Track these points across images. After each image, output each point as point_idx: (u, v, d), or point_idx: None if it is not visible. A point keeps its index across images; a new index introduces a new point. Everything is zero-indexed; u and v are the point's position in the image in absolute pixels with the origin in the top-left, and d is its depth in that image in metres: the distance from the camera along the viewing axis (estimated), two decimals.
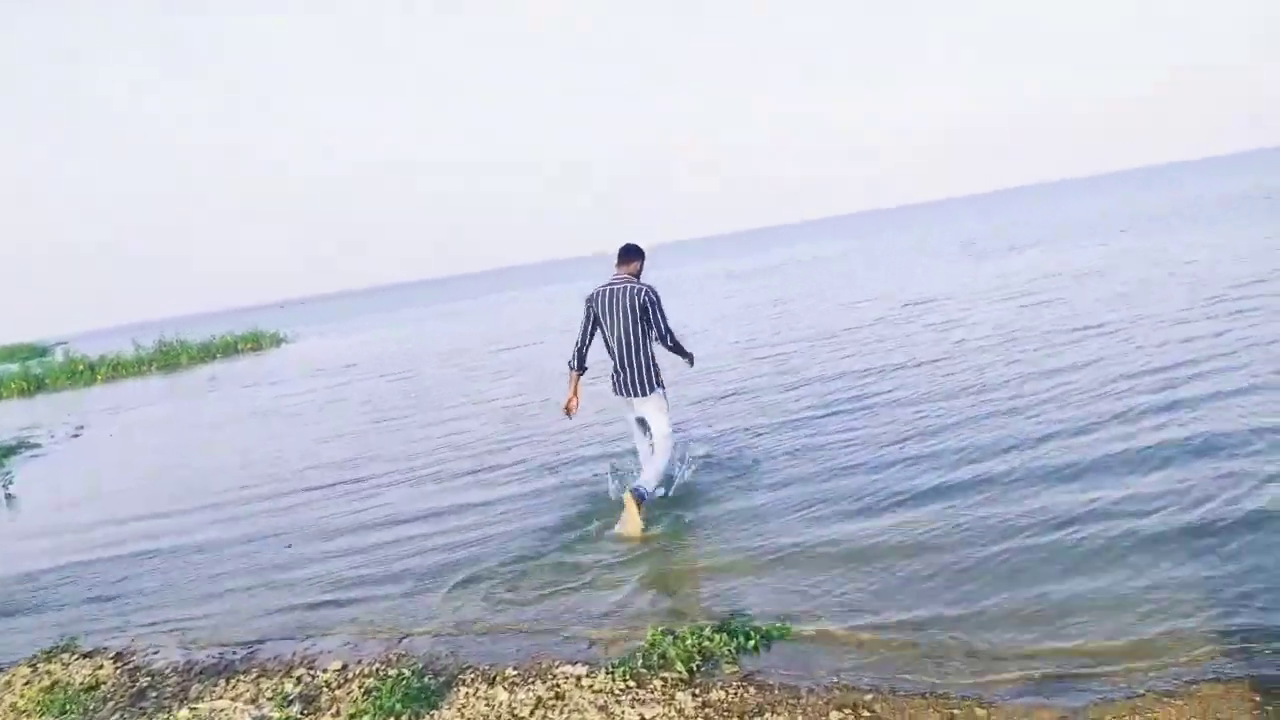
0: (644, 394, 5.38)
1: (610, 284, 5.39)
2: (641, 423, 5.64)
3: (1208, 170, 79.89)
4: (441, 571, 5.24)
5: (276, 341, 33.05)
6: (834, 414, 7.33)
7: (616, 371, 5.40)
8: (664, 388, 5.50)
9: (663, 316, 5.34)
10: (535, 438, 8.40)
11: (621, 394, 5.45)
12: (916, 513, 4.84)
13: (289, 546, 6.24)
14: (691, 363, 5.86)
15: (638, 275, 5.47)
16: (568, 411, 5.67)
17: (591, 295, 5.42)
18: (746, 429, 7.26)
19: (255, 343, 32.32)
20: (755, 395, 8.69)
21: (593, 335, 5.48)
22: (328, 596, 5.19)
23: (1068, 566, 3.94)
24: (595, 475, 6.63)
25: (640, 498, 5.22)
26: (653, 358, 5.40)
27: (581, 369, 5.55)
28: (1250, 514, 4.10)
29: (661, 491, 5.65)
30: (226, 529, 6.96)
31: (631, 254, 5.49)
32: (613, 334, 5.34)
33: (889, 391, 7.88)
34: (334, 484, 7.88)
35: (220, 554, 6.34)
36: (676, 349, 5.52)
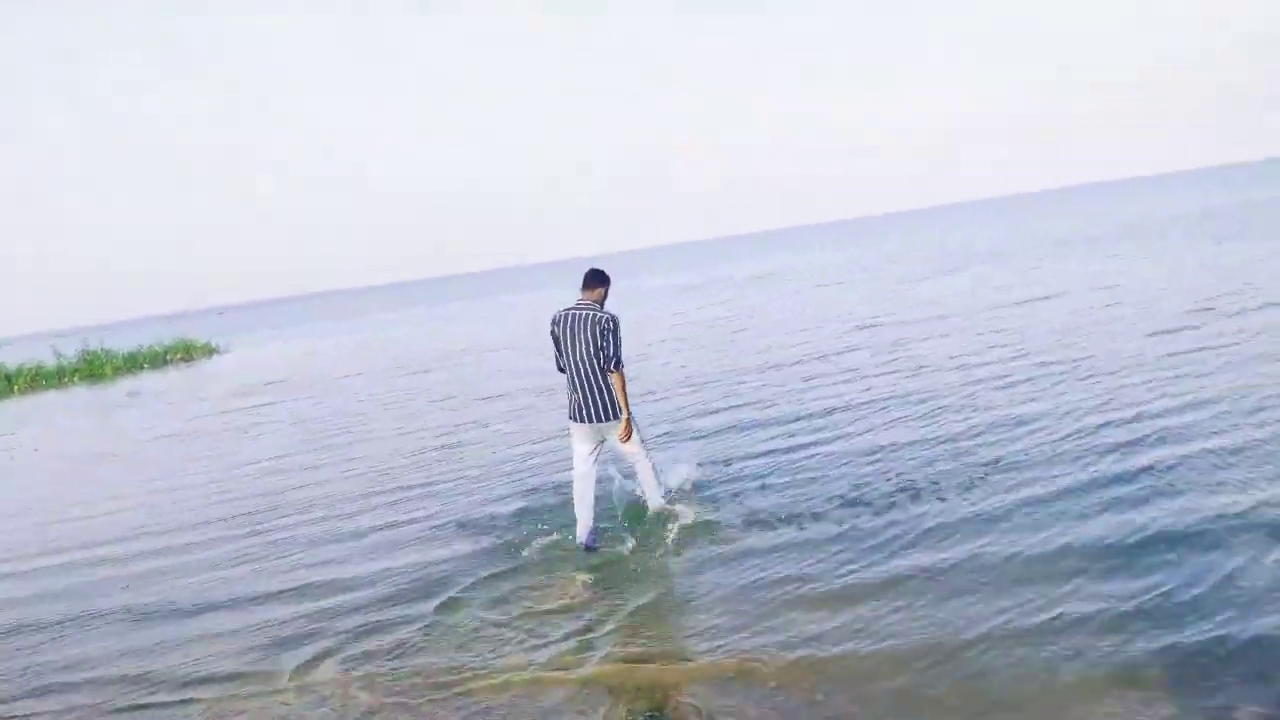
0: (614, 418, 5.34)
1: (573, 309, 5.36)
2: (592, 457, 5.45)
3: (1203, 181, 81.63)
4: (313, 663, 4.49)
5: (208, 352, 31.63)
6: (781, 467, 6.68)
7: (578, 398, 5.33)
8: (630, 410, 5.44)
9: (616, 344, 5.28)
10: (456, 483, 7.64)
11: (585, 420, 5.35)
12: (866, 609, 4.20)
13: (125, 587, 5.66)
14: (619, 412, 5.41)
15: (602, 301, 5.41)
16: None
17: (555, 318, 5.40)
18: (685, 484, 6.50)
19: (186, 353, 30.83)
20: (697, 437, 8.04)
21: None
22: (176, 695, 4.39)
23: (1032, 708, 3.32)
24: (515, 533, 5.93)
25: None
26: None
27: None
28: (1249, 638, 3.51)
29: (666, 496, 5.83)
30: (82, 600, 5.98)
31: (596, 280, 5.43)
32: (572, 359, 5.31)
33: (840, 437, 7.29)
34: (218, 539, 7.00)
35: (64, 633, 5.43)
36: (617, 385, 5.31)
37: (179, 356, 30.37)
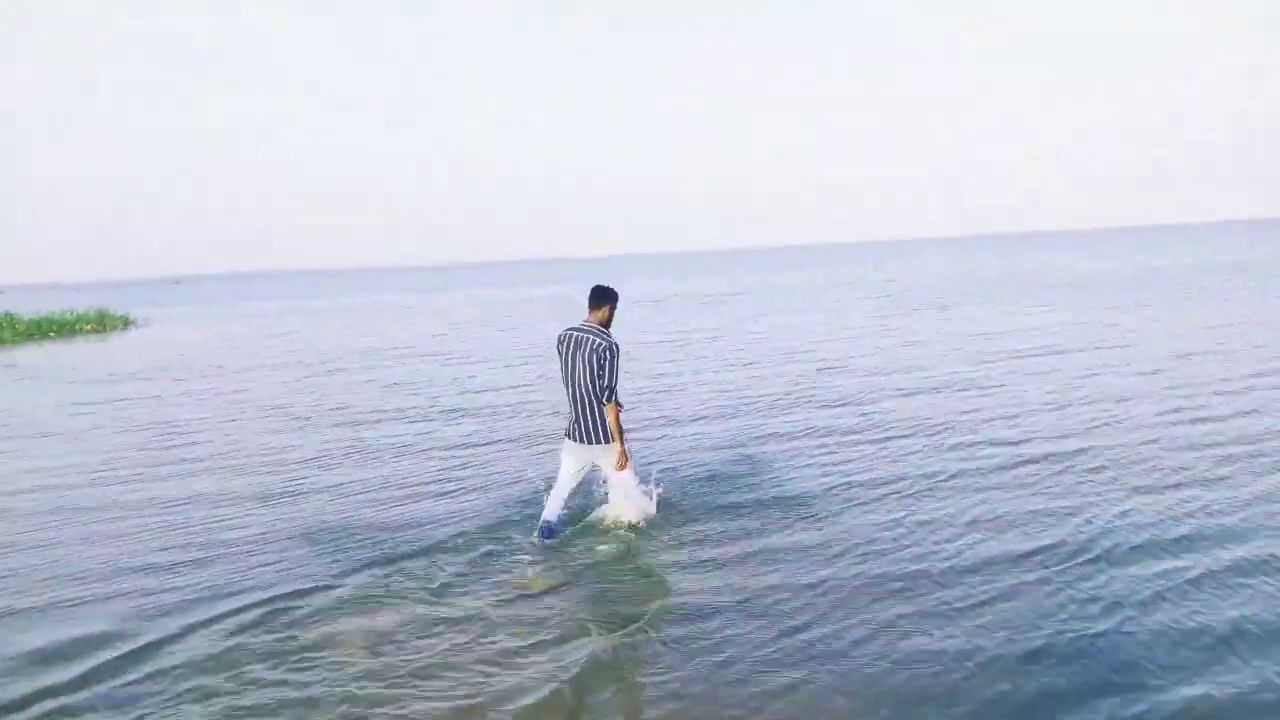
0: (607, 442, 5.27)
1: (576, 329, 5.30)
2: (577, 475, 5.44)
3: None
4: None
5: (125, 324, 29.14)
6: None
7: (575, 418, 5.30)
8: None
9: (613, 374, 5.21)
10: (264, 550, 5.69)
11: (579, 441, 5.31)
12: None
13: None
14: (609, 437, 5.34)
15: (606, 322, 5.34)
16: None
17: (560, 337, 5.36)
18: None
19: (99, 324, 28.32)
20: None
21: None
22: None
23: None
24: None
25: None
26: None
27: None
28: None
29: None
30: None
31: (602, 298, 5.32)
32: (571, 380, 5.27)
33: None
34: None
35: None
36: (610, 416, 5.24)
37: (90, 328, 27.84)
